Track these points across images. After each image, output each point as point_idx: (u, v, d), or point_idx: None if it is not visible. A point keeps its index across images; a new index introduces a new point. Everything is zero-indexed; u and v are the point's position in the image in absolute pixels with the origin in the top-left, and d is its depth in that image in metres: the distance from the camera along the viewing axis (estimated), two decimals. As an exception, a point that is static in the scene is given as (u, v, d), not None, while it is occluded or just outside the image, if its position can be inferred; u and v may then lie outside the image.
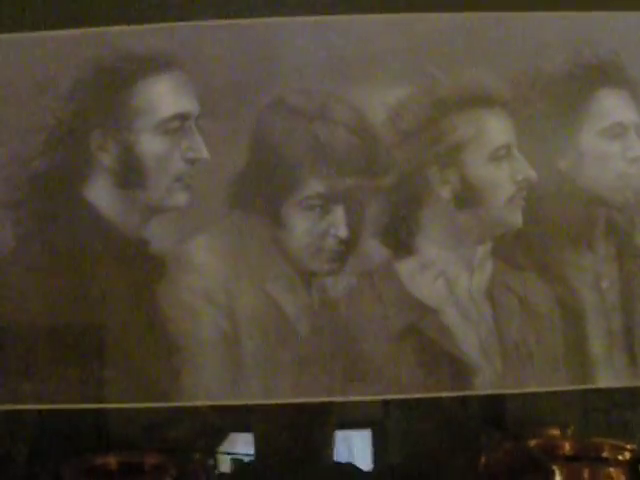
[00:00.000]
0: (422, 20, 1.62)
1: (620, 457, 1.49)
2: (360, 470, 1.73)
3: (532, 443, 1.55)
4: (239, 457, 1.74)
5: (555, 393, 1.59)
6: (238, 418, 1.73)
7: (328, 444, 1.74)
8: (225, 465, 1.74)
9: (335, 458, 1.72)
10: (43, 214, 1.58)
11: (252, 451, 1.74)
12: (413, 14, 1.61)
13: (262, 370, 1.54)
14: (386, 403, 1.63)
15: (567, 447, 1.55)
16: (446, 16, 1.62)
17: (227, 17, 1.62)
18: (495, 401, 1.61)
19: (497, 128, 1.58)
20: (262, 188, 1.57)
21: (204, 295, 1.54)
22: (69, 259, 1.57)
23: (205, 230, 1.56)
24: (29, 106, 1.59)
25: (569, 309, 1.59)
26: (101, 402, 1.57)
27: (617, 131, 1.62)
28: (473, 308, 1.56)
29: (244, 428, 1.79)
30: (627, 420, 1.63)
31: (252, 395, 1.56)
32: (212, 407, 1.66)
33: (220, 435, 1.76)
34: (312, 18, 1.62)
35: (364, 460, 1.74)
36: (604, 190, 1.62)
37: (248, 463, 1.70)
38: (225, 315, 1.54)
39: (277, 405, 1.56)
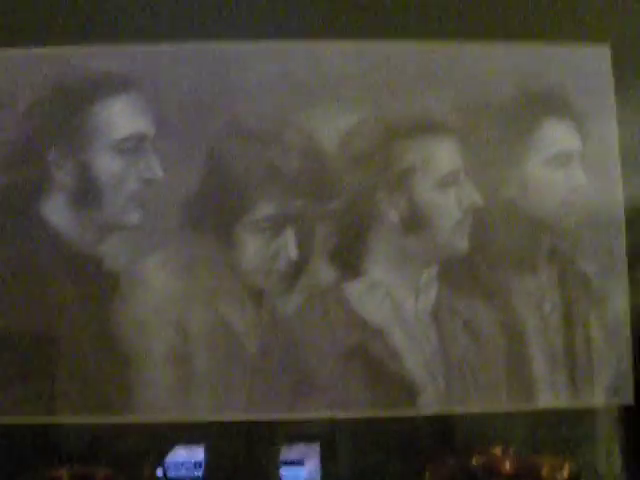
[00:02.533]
0: (376, 48, 1.72)
1: (558, 475, 1.58)
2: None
3: (475, 461, 1.64)
4: (189, 470, 1.82)
5: (499, 413, 1.68)
6: (188, 432, 1.80)
7: (275, 459, 1.82)
8: (173, 472, 1.81)
9: (283, 472, 1.80)
10: (0, 230, 1.64)
11: (202, 464, 1.80)
12: (367, 41, 1.70)
13: (212, 386, 1.63)
14: (334, 421, 1.72)
15: (508, 465, 1.64)
16: (399, 44, 1.72)
17: (185, 40, 1.70)
18: (440, 419, 1.70)
19: (445, 155, 1.68)
20: (215, 209, 1.66)
21: (156, 312, 1.63)
22: (24, 274, 1.64)
23: (158, 249, 1.65)
24: (-15, 123, 1.67)
25: (512, 332, 1.69)
26: (52, 415, 1.63)
27: (561, 160, 1.73)
28: (418, 329, 1.66)
29: (194, 441, 1.86)
30: (568, 439, 1.73)
31: (202, 410, 1.64)
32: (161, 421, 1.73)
33: (169, 448, 1.84)
34: (269, 43, 1.70)
35: (313, 475, 1.82)
36: (548, 217, 1.73)
37: (197, 477, 1.78)
38: (176, 332, 1.63)
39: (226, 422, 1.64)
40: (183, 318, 1.65)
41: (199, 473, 1.81)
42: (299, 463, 1.84)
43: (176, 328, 1.64)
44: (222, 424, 1.70)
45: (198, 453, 1.80)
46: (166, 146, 1.68)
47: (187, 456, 1.80)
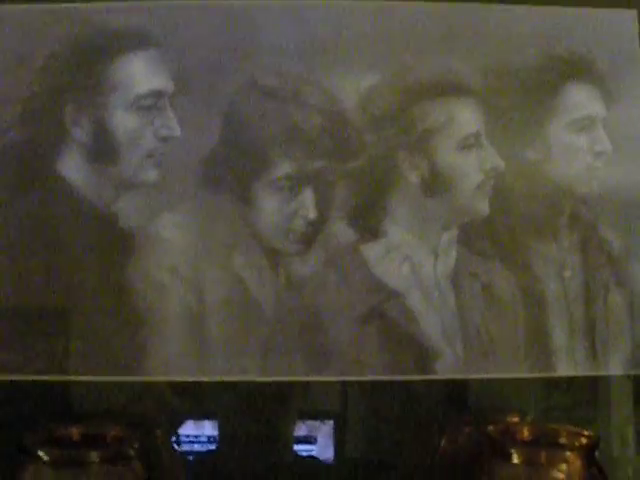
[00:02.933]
0: (398, 8, 1.70)
1: (577, 443, 1.56)
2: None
3: (491, 428, 1.62)
4: (201, 439, 1.80)
5: (516, 380, 1.66)
6: (202, 401, 1.79)
7: (290, 429, 1.81)
8: (186, 445, 1.80)
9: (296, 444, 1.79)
10: (15, 185, 1.64)
11: (215, 434, 1.79)
12: (389, 1, 1.68)
13: (227, 348, 1.61)
14: (349, 385, 1.70)
15: (525, 432, 1.62)
16: (422, 5, 1.69)
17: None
18: (457, 386, 1.68)
19: (467, 117, 1.67)
20: (232, 167, 1.64)
21: (171, 271, 1.61)
22: (39, 231, 1.63)
23: (175, 207, 1.64)
24: (4, 78, 1.65)
25: (532, 297, 1.68)
26: (66, 374, 1.62)
27: (585, 124, 1.71)
28: (437, 293, 1.64)
29: (207, 412, 1.85)
30: (586, 407, 1.71)
31: (216, 372, 1.62)
32: (175, 388, 1.72)
33: (182, 416, 1.82)
34: (289, 1, 1.68)
35: (327, 443, 1.81)
36: (570, 182, 1.71)
37: (210, 451, 1.77)
38: (192, 291, 1.62)
39: (241, 382, 1.63)
40: (199, 277, 1.63)
41: (212, 447, 1.80)
42: (311, 441, 1.82)
43: (191, 288, 1.63)
44: (236, 392, 1.69)
45: (211, 427, 1.79)
46: (184, 104, 1.67)
47: (199, 429, 1.79)
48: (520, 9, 1.73)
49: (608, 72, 1.73)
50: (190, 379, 1.65)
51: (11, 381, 1.64)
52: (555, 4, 1.74)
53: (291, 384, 1.68)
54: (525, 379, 1.68)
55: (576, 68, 1.73)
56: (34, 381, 1.63)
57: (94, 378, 1.64)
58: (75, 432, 1.57)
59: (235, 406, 1.76)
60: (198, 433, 1.83)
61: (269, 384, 1.67)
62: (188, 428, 1.83)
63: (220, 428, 1.79)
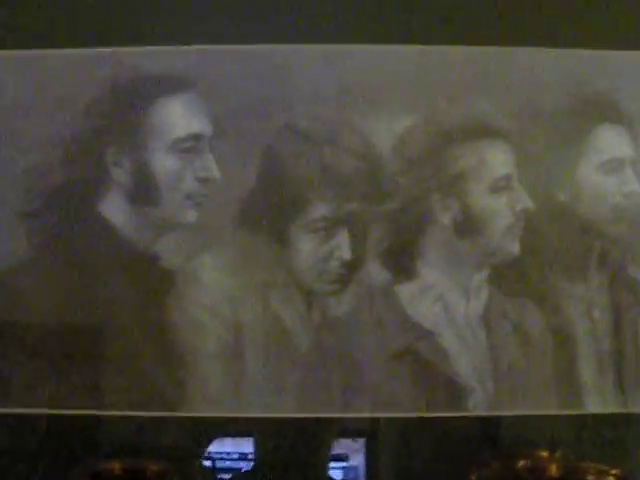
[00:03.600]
0: (431, 52, 1.75)
1: (605, 481, 1.60)
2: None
3: (521, 463, 1.66)
4: (238, 466, 1.85)
5: (546, 416, 1.70)
6: (237, 424, 1.84)
7: (324, 459, 1.86)
8: (224, 472, 1.85)
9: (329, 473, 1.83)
10: (58, 226, 1.70)
11: (250, 456, 1.84)
12: (422, 45, 1.73)
13: (263, 384, 1.66)
14: (381, 421, 1.75)
15: (554, 469, 1.66)
16: (454, 49, 1.74)
17: (241, 41, 1.73)
18: (488, 422, 1.72)
19: (498, 159, 1.71)
20: (269, 209, 1.70)
21: (210, 309, 1.66)
22: (81, 270, 1.69)
23: (213, 247, 1.69)
24: (48, 120, 1.72)
25: (561, 336, 1.71)
26: (106, 409, 1.67)
27: (614, 166, 1.75)
28: (469, 332, 1.69)
29: (243, 434, 1.89)
30: (615, 445, 1.75)
31: (254, 407, 1.67)
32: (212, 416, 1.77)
33: (218, 440, 1.88)
34: (324, 46, 1.74)
35: (358, 471, 1.85)
36: (600, 222, 1.75)
37: (246, 472, 1.82)
38: (229, 329, 1.66)
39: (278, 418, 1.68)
40: (236, 316, 1.68)
41: (248, 466, 1.85)
42: (344, 459, 1.87)
43: (229, 326, 1.68)
44: (273, 420, 1.73)
45: (246, 445, 1.84)
46: (222, 146, 1.72)
47: (235, 448, 1.84)
48: (549, 52, 1.77)
49: (635, 113, 1.76)
50: (228, 415, 1.70)
51: (53, 415, 1.69)
52: (583, 47, 1.78)
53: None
54: (555, 416, 1.71)
55: (604, 110, 1.77)
56: (75, 416, 1.68)
57: (134, 413, 1.69)
58: (117, 467, 1.62)
59: (272, 430, 1.80)
60: (233, 451, 1.87)
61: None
62: (224, 446, 1.88)
63: (256, 446, 1.84)
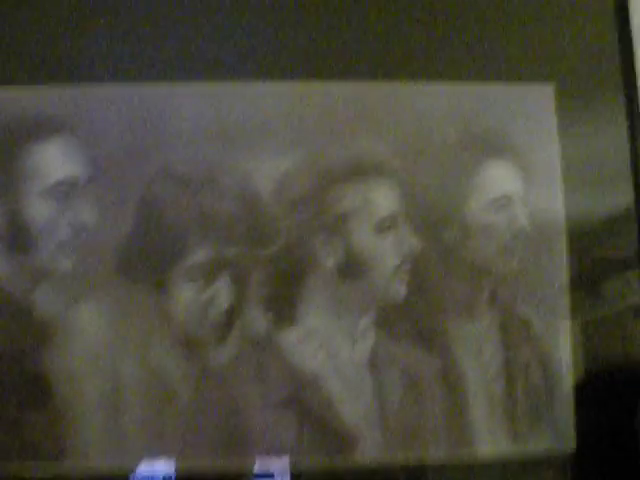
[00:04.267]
0: (311, 88, 1.69)
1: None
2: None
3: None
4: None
5: (438, 462, 1.67)
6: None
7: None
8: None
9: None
10: None
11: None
12: (302, 82, 1.68)
13: (144, 437, 1.61)
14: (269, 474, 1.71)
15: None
16: (335, 85, 1.69)
17: (117, 82, 1.67)
18: (377, 471, 1.68)
19: (383, 198, 1.67)
20: (148, 255, 1.65)
21: (88, 361, 1.61)
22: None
23: (90, 296, 1.64)
24: None
25: (451, 379, 1.67)
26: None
27: (502, 203, 1.71)
28: (355, 378, 1.64)
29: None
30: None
31: (133, 460, 1.62)
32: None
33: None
34: (203, 84, 1.68)
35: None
36: (489, 261, 1.71)
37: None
38: (108, 380, 1.61)
39: (159, 472, 1.63)
40: (115, 367, 1.63)
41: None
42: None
43: (108, 377, 1.63)
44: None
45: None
46: (99, 192, 1.67)
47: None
48: (437, 86, 1.73)
49: (525, 148, 1.73)
50: (106, 465, 1.65)
51: None
52: (470, 80, 1.73)
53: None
54: (446, 460, 1.68)
55: (491, 145, 1.73)
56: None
57: (10, 467, 1.64)
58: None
59: None
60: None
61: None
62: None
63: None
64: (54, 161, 1.67)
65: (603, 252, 1.75)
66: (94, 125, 1.69)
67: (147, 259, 1.66)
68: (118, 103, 1.70)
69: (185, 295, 1.65)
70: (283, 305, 1.68)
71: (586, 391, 1.72)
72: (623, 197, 1.76)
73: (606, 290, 1.75)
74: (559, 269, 1.73)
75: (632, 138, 1.76)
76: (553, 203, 1.75)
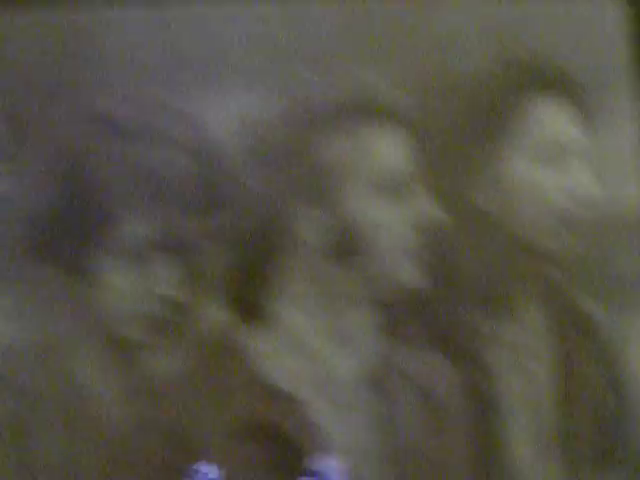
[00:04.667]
0: (290, 9, 1.25)
1: None
2: None
3: None
4: None
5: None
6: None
7: None
8: None
9: None
10: None
11: None
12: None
13: (57, 468, 1.18)
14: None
15: None
16: (324, 3, 1.25)
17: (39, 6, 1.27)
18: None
19: (389, 151, 1.23)
20: (67, 231, 1.20)
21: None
22: None
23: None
24: None
25: (484, 401, 1.21)
26: None
27: (554, 153, 1.24)
28: (349, 397, 1.19)
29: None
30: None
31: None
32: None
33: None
34: (148, 10, 1.26)
35: None
36: (537, 235, 1.24)
37: None
38: (15, 395, 1.19)
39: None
40: (22, 378, 1.20)
41: None
42: None
43: (14, 391, 1.20)
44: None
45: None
46: (15, 148, 1.25)
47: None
48: (462, 2, 1.27)
49: (585, 82, 1.26)
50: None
51: None
52: (513, -6, 1.28)
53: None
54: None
55: (541, 77, 1.27)
56: None
57: None
58: None
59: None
60: None
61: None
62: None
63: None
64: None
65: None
66: (11, 60, 1.27)
67: (67, 235, 1.23)
68: (33, 30, 1.28)
69: (114, 281, 1.22)
70: (250, 296, 1.23)
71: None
72: None
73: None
74: (633, 245, 1.26)
75: None
76: (623, 161, 1.28)
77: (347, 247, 1.23)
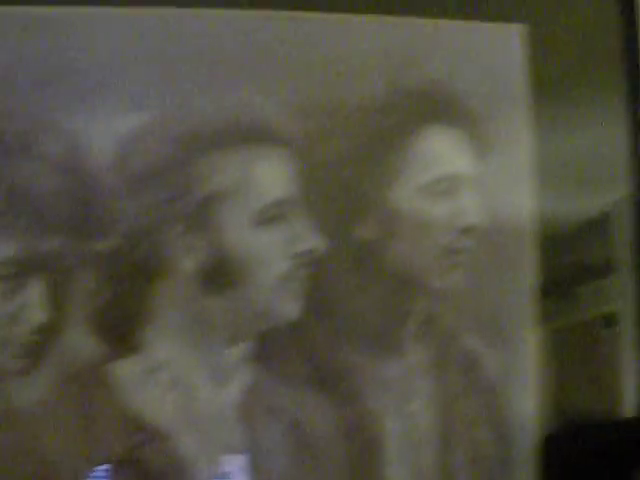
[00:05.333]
0: (175, 18, 1.18)
1: None
2: None
3: None
4: None
5: None
6: None
7: None
8: None
9: None
10: None
11: None
12: (161, 9, 1.17)
13: None
14: None
15: None
16: (211, 14, 1.18)
17: None
18: None
19: (272, 176, 1.16)
20: None
21: None
22: None
23: None
24: None
25: (363, 439, 1.16)
26: None
27: (446, 186, 1.19)
28: (221, 433, 1.14)
29: None
30: None
31: None
32: None
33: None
34: (23, 8, 1.18)
35: None
36: (422, 271, 1.19)
37: None
38: None
39: None
40: None
41: None
42: None
43: None
44: None
45: None
46: None
47: None
48: (355, 21, 1.21)
49: (480, 110, 1.21)
50: None
51: None
52: (409, 13, 1.22)
53: None
54: None
55: (436, 105, 1.21)
56: None
57: None
58: None
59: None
60: None
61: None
62: None
63: None
64: None
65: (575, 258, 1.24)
66: None
67: None
68: None
69: (-23, 305, 1.15)
70: (120, 325, 1.17)
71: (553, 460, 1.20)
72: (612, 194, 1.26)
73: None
74: (521, 282, 1.22)
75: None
76: (519, 190, 1.24)
77: (223, 276, 1.18)
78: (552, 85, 1.26)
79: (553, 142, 1.26)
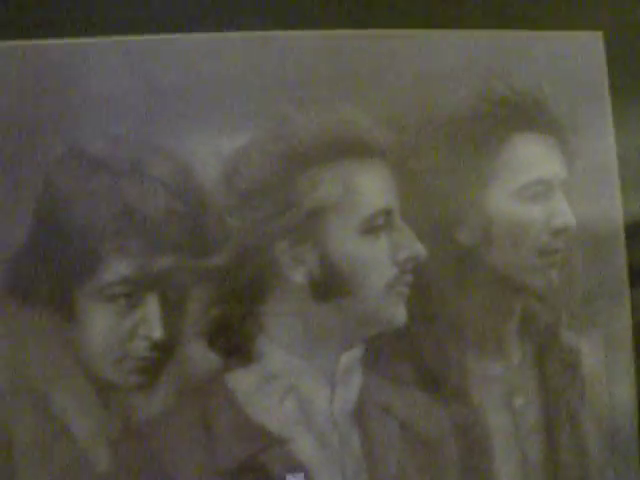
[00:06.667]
0: (273, 40, 1.23)
1: None
2: None
3: None
4: None
5: None
6: None
7: None
8: None
9: None
10: None
11: None
12: (261, 32, 1.22)
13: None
14: None
15: None
16: (307, 35, 1.23)
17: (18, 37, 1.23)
18: None
19: (373, 187, 1.21)
20: (48, 271, 1.18)
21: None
22: None
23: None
24: None
25: (469, 436, 1.20)
26: None
27: (538, 190, 1.24)
28: (335, 436, 1.18)
29: None
30: None
31: None
32: None
33: None
34: (124, 38, 1.22)
35: None
36: (520, 271, 1.24)
37: None
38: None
39: None
40: (4, 424, 1.18)
41: None
42: None
43: (-3, 436, 1.19)
44: None
45: None
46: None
47: None
48: (447, 35, 1.26)
49: (566, 115, 1.26)
50: None
51: None
52: (496, 26, 1.27)
53: None
54: None
55: (524, 113, 1.26)
56: None
57: None
58: None
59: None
60: None
61: None
62: None
63: None
64: None
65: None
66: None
67: (47, 275, 1.21)
68: (13, 60, 1.25)
69: (99, 323, 1.20)
70: (235, 336, 1.22)
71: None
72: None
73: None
74: (617, 280, 1.27)
75: None
76: (607, 193, 1.28)
77: (332, 285, 1.22)
78: (633, 88, 1.31)
79: (636, 143, 1.31)
